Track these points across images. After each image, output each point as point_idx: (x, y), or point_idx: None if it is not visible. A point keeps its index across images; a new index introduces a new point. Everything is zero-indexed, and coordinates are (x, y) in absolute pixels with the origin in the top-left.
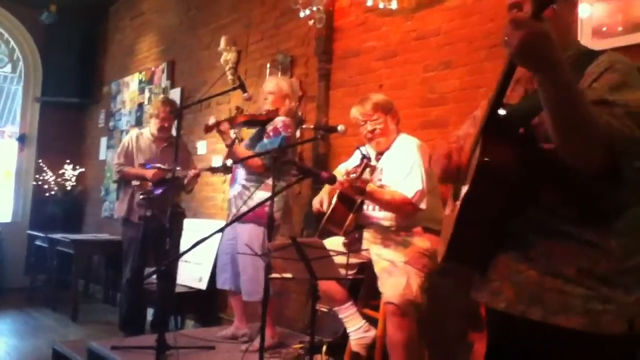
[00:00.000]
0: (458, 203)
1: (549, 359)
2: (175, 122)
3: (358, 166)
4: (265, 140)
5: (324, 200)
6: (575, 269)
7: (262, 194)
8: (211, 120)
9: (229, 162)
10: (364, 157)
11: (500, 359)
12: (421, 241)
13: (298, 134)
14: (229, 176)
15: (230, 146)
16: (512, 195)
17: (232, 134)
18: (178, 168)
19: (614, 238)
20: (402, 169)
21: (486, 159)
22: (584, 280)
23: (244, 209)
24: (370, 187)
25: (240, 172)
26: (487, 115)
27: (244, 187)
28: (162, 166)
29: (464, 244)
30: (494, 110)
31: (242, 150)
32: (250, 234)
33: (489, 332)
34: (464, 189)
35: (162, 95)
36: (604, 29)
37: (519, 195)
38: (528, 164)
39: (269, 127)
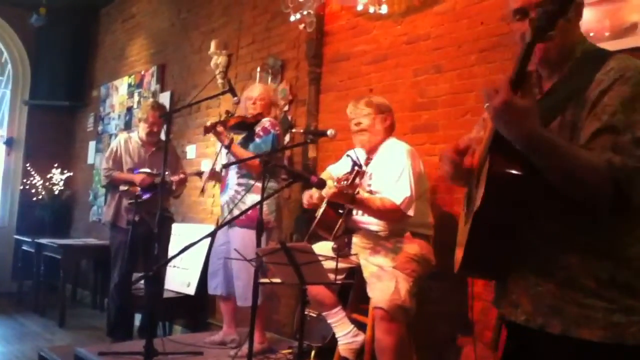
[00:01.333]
0: (473, 211)
1: None
2: (165, 127)
3: (349, 173)
4: (257, 140)
5: (313, 194)
6: (595, 280)
7: (253, 198)
8: (208, 123)
9: (218, 167)
10: (355, 164)
11: None
12: (410, 246)
13: (288, 137)
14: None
15: (228, 147)
16: (524, 206)
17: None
18: (167, 172)
19: (635, 246)
20: (391, 174)
21: (495, 170)
22: (605, 292)
23: (236, 212)
24: (360, 194)
25: (232, 178)
26: (495, 130)
27: (236, 192)
28: (151, 171)
29: (479, 254)
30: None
31: (241, 150)
32: (244, 238)
33: (507, 341)
34: (478, 195)
35: (151, 99)
36: (592, 34)
37: (530, 206)
38: (538, 174)
39: (257, 128)
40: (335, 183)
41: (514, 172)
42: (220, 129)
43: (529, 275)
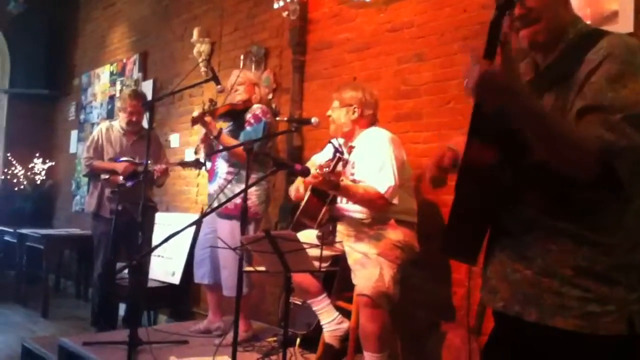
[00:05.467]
0: None
1: (545, 357)
2: (147, 115)
3: (331, 160)
4: (248, 128)
5: (299, 187)
6: (572, 268)
7: (243, 187)
8: (195, 113)
9: (202, 157)
10: (336, 150)
11: (498, 353)
12: (394, 233)
13: None
14: (202, 171)
15: (217, 137)
16: (500, 191)
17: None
18: (150, 161)
19: (618, 233)
20: (374, 163)
21: (470, 155)
22: (581, 281)
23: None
24: (343, 181)
25: (222, 167)
26: (472, 115)
27: (225, 180)
28: (133, 160)
29: (457, 237)
30: (477, 110)
31: (230, 140)
32: (232, 229)
33: (494, 326)
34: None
35: (130, 88)
36: None
37: (507, 192)
38: (516, 165)
39: (248, 115)
40: (317, 170)
41: (488, 157)
42: (208, 119)
43: (507, 261)
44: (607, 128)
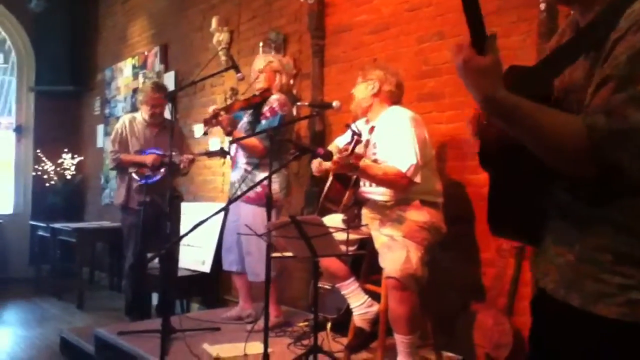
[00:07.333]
0: None
1: (589, 344)
2: (169, 107)
3: (349, 143)
4: (263, 122)
5: (321, 162)
6: (612, 254)
7: (263, 175)
8: (211, 109)
9: (226, 145)
10: (354, 133)
11: (542, 335)
12: (418, 214)
13: (294, 112)
14: (228, 159)
15: (230, 133)
16: (524, 169)
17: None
18: (175, 153)
19: None
20: (395, 142)
21: (485, 127)
22: (622, 268)
23: (245, 189)
24: (363, 162)
25: (241, 157)
26: None
27: (245, 170)
28: (159, 152)
29: (500, 216)
30: None
31: (242, 136)
32: (254, 215)
33: (543, 305)
34: None
35: (151, 81)
36: None
37: (535, 172)
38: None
39: (265, 108)
40: (337, 154)
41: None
42: (221, 117)
43: (551, 245)
44: (605, 111)
